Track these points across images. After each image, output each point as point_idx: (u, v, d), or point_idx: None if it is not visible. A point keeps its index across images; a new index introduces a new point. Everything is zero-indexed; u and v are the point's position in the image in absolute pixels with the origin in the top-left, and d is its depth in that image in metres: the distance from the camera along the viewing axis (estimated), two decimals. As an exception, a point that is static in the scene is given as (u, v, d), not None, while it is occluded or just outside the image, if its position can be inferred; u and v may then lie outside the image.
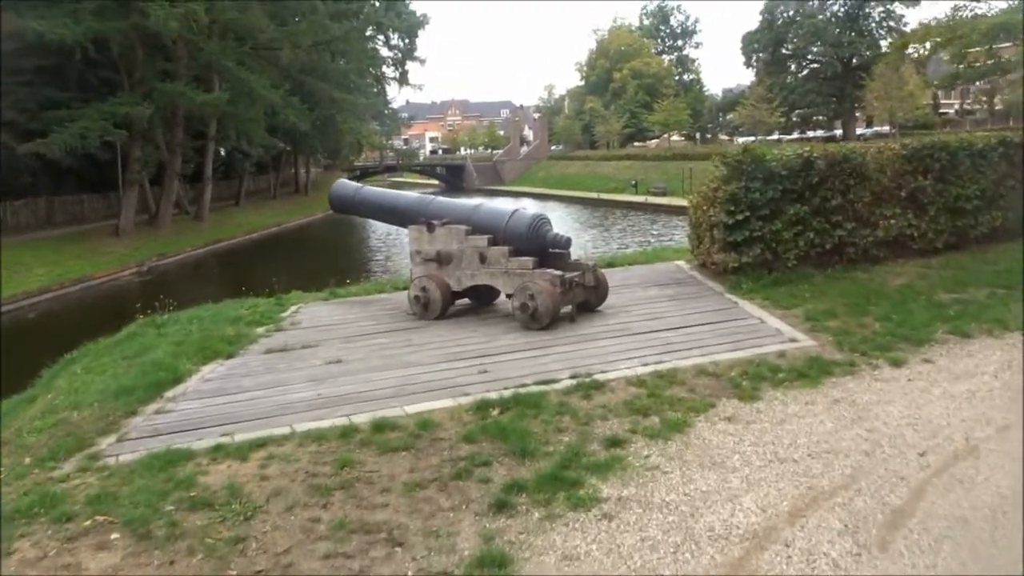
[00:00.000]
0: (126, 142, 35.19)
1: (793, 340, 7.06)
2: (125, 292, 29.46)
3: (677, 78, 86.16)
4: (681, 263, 11.81)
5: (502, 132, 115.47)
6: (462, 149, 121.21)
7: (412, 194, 9.43)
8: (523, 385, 5.97)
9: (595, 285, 8.49)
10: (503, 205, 8.86)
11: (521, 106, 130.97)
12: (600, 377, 6.09)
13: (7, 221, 35.04)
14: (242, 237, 44.47)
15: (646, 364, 6.42)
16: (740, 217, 9.39)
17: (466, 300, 9.16)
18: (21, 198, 36.52)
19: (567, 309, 8.11)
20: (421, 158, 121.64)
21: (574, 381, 6.01)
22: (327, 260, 31.83)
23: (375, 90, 72.95)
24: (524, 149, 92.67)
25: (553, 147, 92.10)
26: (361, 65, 49.26)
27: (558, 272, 8.04)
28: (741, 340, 7.09)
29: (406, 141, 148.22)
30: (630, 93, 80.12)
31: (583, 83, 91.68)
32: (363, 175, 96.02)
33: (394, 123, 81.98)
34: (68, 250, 32.95)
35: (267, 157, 54.94)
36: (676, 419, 5.25)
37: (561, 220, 48.69)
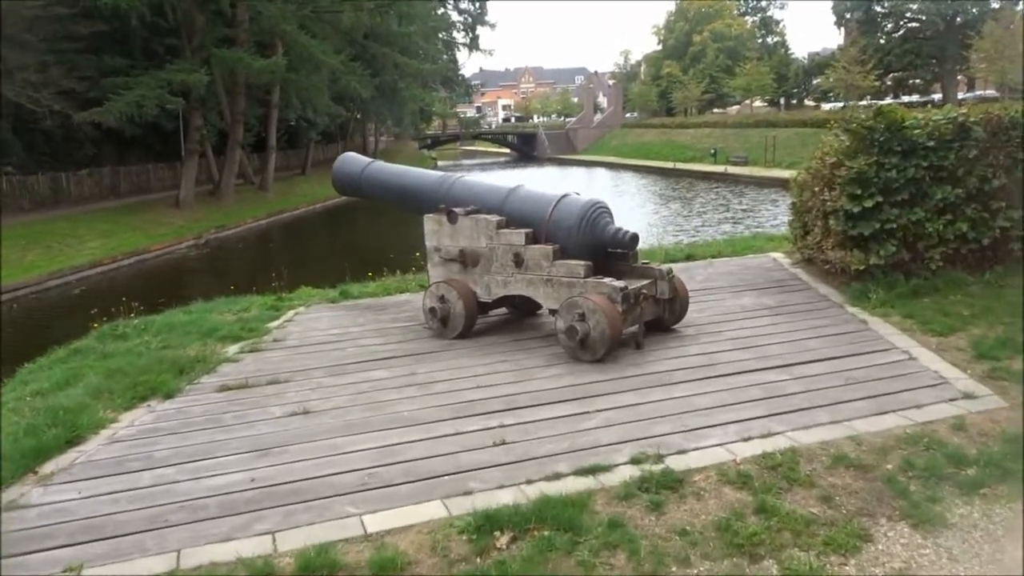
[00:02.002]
0: (187, 111, 34.29)
1: (969, 396, 4.72)
2: (178, 267, 28.50)
3: (760, 41, 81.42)
4: (778, 256, 9.43)
5: (576, 99, 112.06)
6: (535, 117, 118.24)
7: (431, 173, 7.33)
8: (556, 475, 3.87)
9: (671, 297, 6.29)
10: (547, 190, 6.69)
11: (596, 72, 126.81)
12: (677, 463, 3.94)
13: (70, 191, 34.69)
14: (305, 208, 43.38)
15: (748, 436, 4.24)
16: (868, 203, 6.98)
17: (501, 309, 7.09)
18: (85, 168, 36.19)
19: (632, 329, 5.96)
20: (493, 126, 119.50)
21: (637, 470, 3.87)
22: (386, 231, 30.10)
23: (445, 56, 71.13)
24: (598, 117, 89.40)
25: (628, 114, 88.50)
26: (426, 28, 47.12)
27: (619, 283, 5.86)
28: (887, 393, 4.79)
29: (479, 109, 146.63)
30: (710, 57, 76.07)
31: (660, 47, 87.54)
32: (433, 144, 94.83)
33: (463, 90, 79.79)
34: (126, 222, 32.22)
35: (333, 125, 53.72)
36: (808, 569, 3.08)
37: (636, 192, 45.93)
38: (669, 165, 55.82)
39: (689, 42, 79.41)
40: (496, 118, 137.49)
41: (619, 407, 4.77)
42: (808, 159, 8.69)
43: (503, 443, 4.29)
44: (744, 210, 34.58)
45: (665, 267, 6.32)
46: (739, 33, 78.19)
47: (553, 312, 6.07)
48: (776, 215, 30.45)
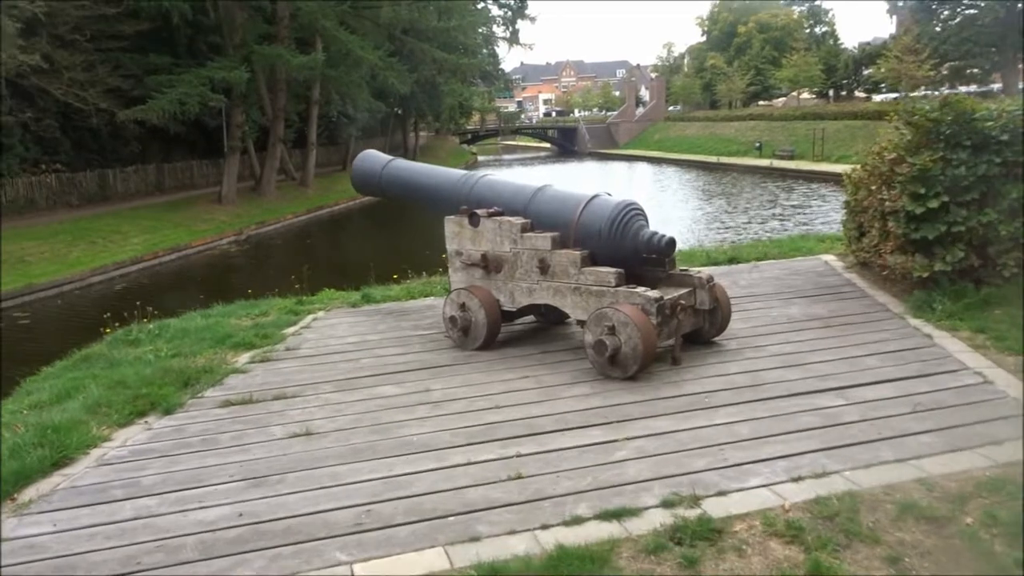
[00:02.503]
0: (229, 108, 34.46)
1: (1057, 428, 4.14)
2: (217, 263, 28.61)
3: (808, 31, 79.29)
4: (830, 259, 8.79)
5: (617, 93, 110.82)
6: (576, 111, 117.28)
7: (453, 172, 6.86)
8: (576, 519, 3.40)
9: (711, 308, 5.75)
10: (577, 189, 6.17)
11: (638, 65, 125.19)
12: (716, 507, 3.42)
13: (117, 188, 35.17)
14: (345, 204, 43.36)
15: (798, 476, 3.69)
16: (933, 204, 6.34)
17: (528, 316, 6.60)
18: (131, 165, 36.66)
19: (668, 343, 5.44)
20: (534, 120, 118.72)
21: (669, 516, 3.37)
22: (426, 228, 29.85)
23: (485, 51, 70.78)
24: (640, 111, 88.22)
25: (671, 108, 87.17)
26: (465, 23, 46.72)
27: (654, 293, 5.33)
28: (960, 425, 4.18)
29: (519, 103, 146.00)
30: (755, 48, 74.37)
31: (704, 39, 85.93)
32: (474, 139, 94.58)
33: (503, 85, 79.33)
34: (168, 218, 32.50)
35: (373, 121, 53.68)
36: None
37: (678, 188, 45.01)
38: (712, 159, 54.67)
39: (734, 33, 77.74)
40: (537, 112, 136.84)
41: (651, 434, 4.26)
42: (861, 153, 8.04)
43: (518, 477, 3.82)
44: (793, 206, 33.54)
45: (705, 274, 5.77)
46: (786, 23, 76.29)
47: (581, 323, 5.57)
48: (827, 212, 29.39)
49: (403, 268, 9.44)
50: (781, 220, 29.51)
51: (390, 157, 7.22)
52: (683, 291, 5.58)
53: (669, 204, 36.79)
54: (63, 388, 5.43)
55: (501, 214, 6.02)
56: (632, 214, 5.64)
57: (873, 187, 7.18)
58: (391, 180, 6.96)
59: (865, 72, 72.34)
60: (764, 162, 48.41)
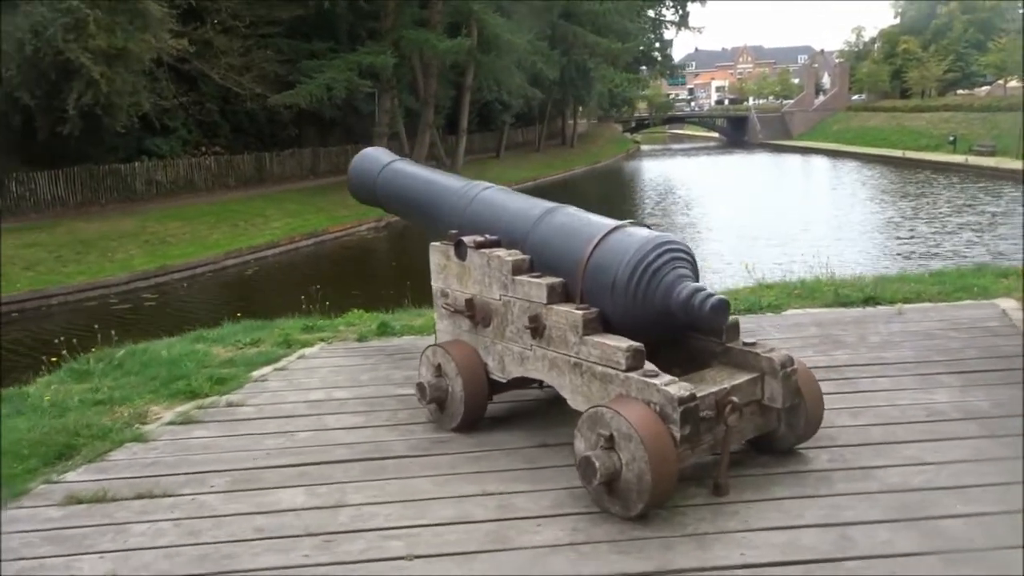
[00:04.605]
0: (379, 93, 34.49)
1: None
2: (352, 250, 28.51)
3: (1022, 11, 69.98)
4: (1010, 306, 6.36)
5: (796, 80, 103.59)
6: (749, 99, 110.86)
7: (454, 181, 5.13)
8: None
9: (789, 404, 3.77)
10: (595, 216, 4.26)
11: (822, 51, 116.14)
12: None
13: (272, 171, 36.24)
14: (495, 191, 42.49)
15: None
16: None
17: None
18: (288, 149, 37.75)
19: (709, 458, 3.55)
20: (706, 108, 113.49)
21: None
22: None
23: (652, 35, 67.99)
24: (819, 99, 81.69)
25: (855, 96, 79.98)
26: (627, 5, 44.44)
27: (681, 387, 3.36)
28: None
29: (691, 91, 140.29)
30: (957, 31, 66.45)
31: (898, 21, 78.01)
32: (637, 128, 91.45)
33: (668, 70, 75.84)
34: (313, 202, 32.95)
35: (527, 107, 52.53)
36: None
37: (859, 186, 40.48)
38: (897, 154, 49.12)
39: (932, 14, 69.90)
40: (708, 100, 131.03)
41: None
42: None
43: None
44: (992, 213, 28.74)
45: (781, 355, 3.76)
46: (995, 3, 67.55)
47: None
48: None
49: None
50: (976, 232, 25.20)
51: (393, 157, 5.63)
52: (741, 379, 3.64)
53: (845, 205, 32.96)
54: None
55: (497, 244, 4.31)
56: (667, 258, 3.69)
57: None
58: (386, 188, 5.39)
59: (1093, 57, 62.63)
60: (958, 158, 42.73)
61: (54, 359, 6.12)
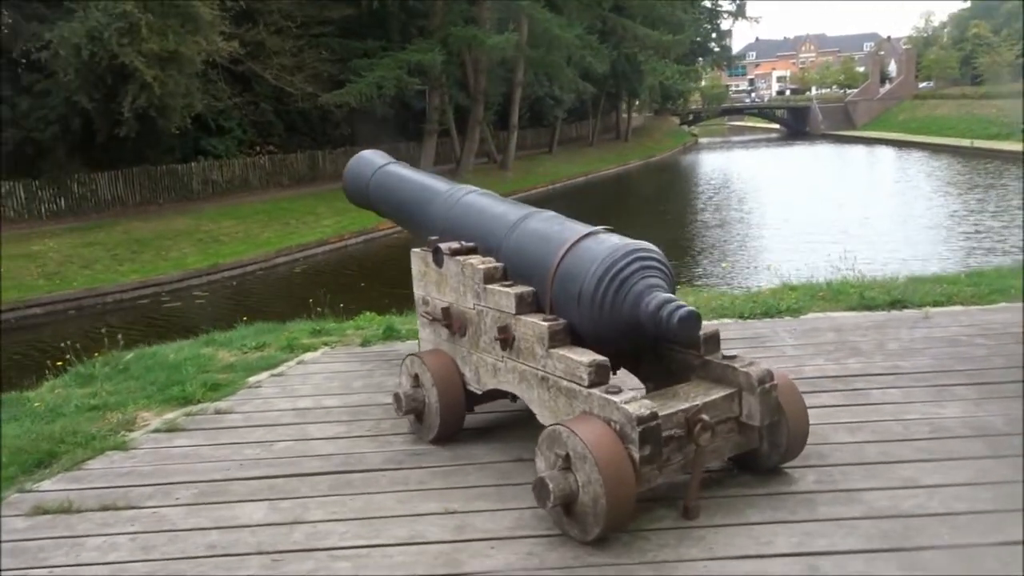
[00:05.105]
0: (430, 90, 34.63)
1: None
2: (396, 248, 28.63)
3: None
4: (1051, 310, 5.94)
5: (861, 69, 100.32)
6: (812, 89, 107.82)
7: (440, 184, 5.01)
8: None
9: (769, 422, 3.55)
10: (571, 222, 4.07)
11: (888, 38, 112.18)
12: None
13: (326, 169, 36.74)
14: (543, 188, 42.37)
15: None
16: None
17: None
18: (341, 147, 38.22)
19: (676, 479, 3.36)
20: (766, 99, 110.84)
21: None
22: (616, 213, 27.84)
23: (708, 25, 66.77)
24: (884, 87, 78.93)
25: (922, 84, 77.05)
26: (682, -5, 43.71)
27: (639, 407, 3.14)
28: None
29: (751, 82, 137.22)
30: (1033, 13, 63.43)
31: (968, 5, 74.86)
32: (694, 120, 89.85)
33: (725, 61, 74.32)
34: (364, 200, 33.18)
35: (580, 102, 52.03)
36: None
37: (925, 177, 38.94)
38: (965, 143, 47.11)
39: (1006, -4, 66.98)
40: (769, 91, 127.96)
41: None
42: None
43: None
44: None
45: (759, 369, 3.53)
46: (1075, -17, 64.28)
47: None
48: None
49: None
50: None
51: (388, 160, 5.54)
52: (716, 395, 3.43)
53: (909, 197, 31.71)
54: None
55: (474, 251, 4.17)
56: (638, 266, 3.49)
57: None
58: (379, 191, 5.31)
59: None
60: (1030, 147, 40.68)
61: (59, 363, 6.23)
